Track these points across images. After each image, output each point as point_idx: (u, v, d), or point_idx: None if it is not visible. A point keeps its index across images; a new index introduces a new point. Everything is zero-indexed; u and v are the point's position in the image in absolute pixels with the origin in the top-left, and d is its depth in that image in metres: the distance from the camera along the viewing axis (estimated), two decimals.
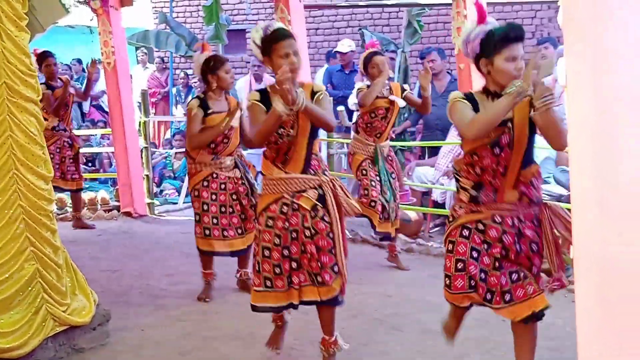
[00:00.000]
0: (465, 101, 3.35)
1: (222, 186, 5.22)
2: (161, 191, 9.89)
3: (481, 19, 3.38)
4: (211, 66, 5.17)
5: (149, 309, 5.14)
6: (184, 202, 9.29)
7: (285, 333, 4.18)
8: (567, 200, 5.87)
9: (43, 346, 4.06)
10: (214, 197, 5.20)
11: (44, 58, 7.62)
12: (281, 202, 3.74)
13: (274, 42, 3.64)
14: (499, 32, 3.31)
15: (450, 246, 3.42)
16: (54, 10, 6.29)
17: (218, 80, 5.16)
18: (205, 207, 5.21)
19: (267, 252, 3.76)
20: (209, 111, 5.13)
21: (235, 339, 4.50)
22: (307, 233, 3.72)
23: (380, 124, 6.01)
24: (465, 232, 3.39)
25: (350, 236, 7.06)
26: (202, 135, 5.11)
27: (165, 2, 15.32)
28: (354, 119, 8.52)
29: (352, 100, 8.52)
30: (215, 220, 5.21)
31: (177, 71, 13.88)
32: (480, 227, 3.36)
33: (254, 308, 3.86)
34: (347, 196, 3.84)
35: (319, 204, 3.73)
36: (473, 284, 3.35)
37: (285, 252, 3.75)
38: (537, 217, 3.40)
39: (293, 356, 4.24)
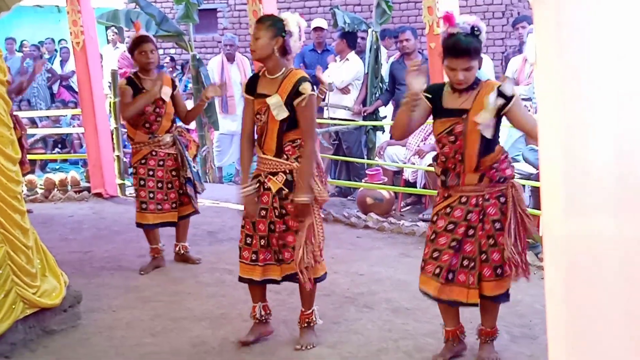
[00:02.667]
0: (425, 99, 3.67)
1: (160, 163, 5.45)
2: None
3: (448, 22, 3.62)
4: (131, 47, 5.46)
5: (120, 290, 5.13)
6: None
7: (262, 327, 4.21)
8: (537, 178, 5.93)
9: (13, 329, 4.03)
10: (150, 172, 5.44)
11: None
12: (258, 179, 3.97)
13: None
14: (447, 43, 3.59)
15: (429, 231, 3.77)
16: None
17: (135, 61, 5.44)
18: (142, 183, 5.45)
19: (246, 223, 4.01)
20: (143, 90, 5.34)
21: (206, 320, 4.51)
22: (276, 212, 3.91)
23: None
24: (434, 218, 3.72)
25: (322, 216, 7.07)
26: (131, 104, 5.29)
27: None
28: (327, 99, 8.53)
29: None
30: (151, 195, 5.44)
31: None
32: (448, 210, 3.66)
33: (242, 279, 4.08)
34: (318, 184, 3.93)
35: (285, 188, 3.89)
36: (422, 265, 3.72)
37: (254, 228, 3.97)
38: (503, 194, 3.63)
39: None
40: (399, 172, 7.74)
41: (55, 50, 14.48)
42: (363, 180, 7.76)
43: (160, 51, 13.67)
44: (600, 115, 1.80)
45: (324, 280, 4.10)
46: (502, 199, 3.62)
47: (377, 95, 8.44)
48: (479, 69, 3.66)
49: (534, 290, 4.60)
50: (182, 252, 5.71)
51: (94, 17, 8.34)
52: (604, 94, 1.80)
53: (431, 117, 3.78)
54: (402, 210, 7.60)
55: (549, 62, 1.86)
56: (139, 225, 5.56)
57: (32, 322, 4.19)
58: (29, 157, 6.20)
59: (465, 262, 3.63)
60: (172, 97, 5.46)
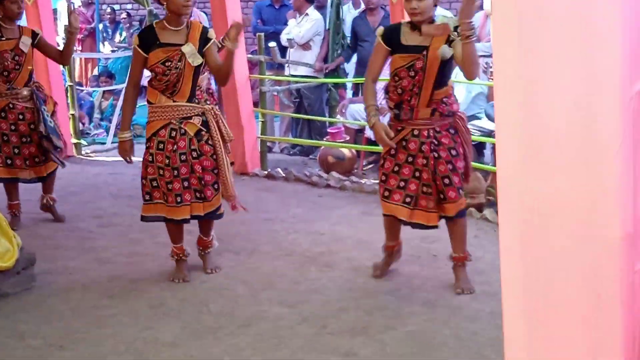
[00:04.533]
0: (382, 41, 4.05)
1: (21, 117, 5.41)
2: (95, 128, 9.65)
3: None
4: None
5: (76, 251, 5.03)
6: (112, 142, 9.06)
7: (187, 265, 4.51)
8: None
9: None
10: (13, 127, 5.39)
11: None
12: (169, 127, 4.23)
13: None
14: None
15: (382, 161, 4.17)
16: None
17: (4, 10, 5.34)
18: (6, 138, 5.40)
19: (161, 172, 4.26)
20: (2, 38, 5.35)
21: (164, 281, 4.43)
22: (194, 154, 4.23)
23: None
24: (392, 151, 4.08)
25: (283, 175, 7.02)
26: None
27: None
28: (287, 55, 8.40)
29: (285, 36, 8.42)
30: (16, 150, 5.42)
31: (104, 6, 13.37)
32: (404, 144, 4.04)
33: (144, 218, 4.43)
34: (224, 125, 4.38)
35: (203, 129, 4.24)
36: (387, 195, 4.12)
37: (175, 172, 4.22)
38: (452, 127, 4.05)
39: (225, 296, 4.20)
40: (361, 130, 7.68)
41: None
42: (325, 139, 7.69)
43: (117, 7, 13.36)
44: (557, 70, 1.76)
45: (221, 218, 4.47)
46: (452, 130, 4.04)
47: (338, 51, 8.32)
48: (435, 6, 3.98)
49: (494, 248, 4.60)
50: (50, 203, 5.74)
51: None
52: (562, 46, 1.76)
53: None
54: (364, 168, 7.56)
55: (504, 12, 1.81)
56: (2, 180, 5.58)
57: None
58: None
59: (424, 189, 4.05)
60: (39, 45, 5.47)
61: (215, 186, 4.32)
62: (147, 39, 4.24)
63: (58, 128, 5.62)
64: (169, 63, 4.17)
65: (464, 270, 4.18)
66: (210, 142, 4.27)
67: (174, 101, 4.22)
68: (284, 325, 3.78)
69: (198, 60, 4.21)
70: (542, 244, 1.81)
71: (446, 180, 4.02)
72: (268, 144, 7.90)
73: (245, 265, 4.65)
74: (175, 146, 4.22)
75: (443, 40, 3.90)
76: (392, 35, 4.04)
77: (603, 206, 1.73)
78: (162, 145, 4.24)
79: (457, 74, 5.14)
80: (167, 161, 4.23)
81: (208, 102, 4.34)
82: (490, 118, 6.26)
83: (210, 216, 4.39)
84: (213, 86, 6.50)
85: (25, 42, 5.39)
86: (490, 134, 6.15)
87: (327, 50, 8.36)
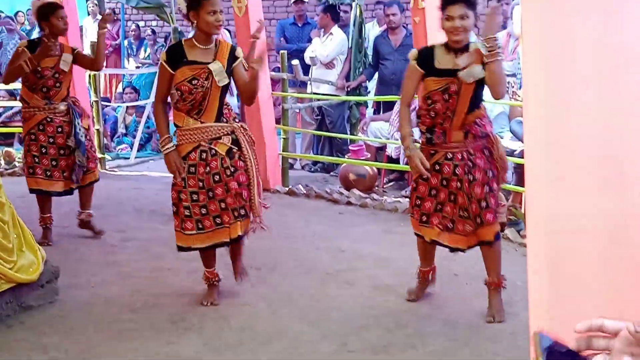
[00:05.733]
0: (416, 64, 3.98)
1: (59, 129, 5.46)
2: (118, 143, 9.74)
3: None
4: (43, 13, 5.40)
5: (99, 265, 5.07)
6: (136, 157, 9.16)
7: (218, 289, 4.38)
8: (520, 155, 5.91)
9: None
10: (51, 140, 5.45)
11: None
12: (199, 149, 4.10)
13: None
14: None
15: (414, 185, 4.08)
16: None
17: (50, 27, 5.36)
18: (44, 151, 5.45)
19: (195, 197, 4.11)
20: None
21: (186, 296, 4.46)
22: (228, 172, 4.11)
23: None
24: (424, 176, 3.97)
25: (305, 191, 7.04)
26: (11, 65, 5.35)
27: None
28: (310, 73, 8.46)
29: (309, 55, 8.47)
30: (54, 163, 5.47)
31: (129, 23, 13.53)
32: (437, 167, 3.96)
33: (181, 249, 4.26)
34: (254, 142, 4.28)
35: (234, 147, 4.13)
36: (425, 220, 4.02)
37: (210, 194, 4.10)
38: (486, 147, 3.97)
39: (246, 312, 4.21)
40: (382, 148, 7.70)
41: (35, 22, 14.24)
42: (346, 156, 7.72)
43: (142, 23, 13.52)
44: (586, 92, 1.77)
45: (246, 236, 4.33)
46: (486, 152, 3.96)
47: (360, 70, 8.36)
48: (475, 26, 3.93)
49: (515, 267, 4.58)
50: (87, 219, 5.76)
51: None
52: (590, 70, 1.77)
53: None
54: (384, 186, 7.57)
55: (534, 39, 1.82)
56: (32, 191, 5.58)
57: (9, 297, 4.11)
58: (6, 129, 5.94)
59: (461, 212, 3.96)
60: (77, 59, 5.54)
61: (253, 201, 4.22)
62: (175, 55, 4.15)
63: (91, 145, 5.67)
64: (196, 81, 4.06)
65: (498, 296, 4.04)
66: (242, 159, 4.16)
67: (201, 122, 4.10)
68: (305, 342, 3.79)
69: (225, 80, 4.11)
70: (570, 265, 1.81)
71: (483, 203, 3.91)
72: (290, 160, 7.94)
73: (266, 281, 4.67)
74: (208, 167, 4.08)
75: (478, 63, 3.81)
76: (425, 58, 3.96)
77: (631, 227, 1.73)
78: (193, 168, 4.10)
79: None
80: (201, 184, 4.09)
81: (237, 120, 4.25)
82: (516, 135, 6.23)
83: (243, 236, 4.25)
84: (234, 101, 6.55)
85: (67, 61, 5.43)
86: (512, 153, 6.13)
87: (350, 69, 8.41)
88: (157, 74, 4.41)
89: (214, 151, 4.09)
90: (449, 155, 3.93)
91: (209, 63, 4.08)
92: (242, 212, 4.15)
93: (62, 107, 5.47)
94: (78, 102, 5.74)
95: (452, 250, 4.10)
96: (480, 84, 3.87)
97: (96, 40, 5.81)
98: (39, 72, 5.32)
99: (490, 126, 4.04)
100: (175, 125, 4.18)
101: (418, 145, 4.05)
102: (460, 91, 3.85)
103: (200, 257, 4.34)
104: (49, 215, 5.67)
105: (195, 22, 4.09)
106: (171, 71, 4.10)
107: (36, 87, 5.40)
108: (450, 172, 3.93)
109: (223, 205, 4.10)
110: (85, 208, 5.76)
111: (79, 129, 5.48)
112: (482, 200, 3.91)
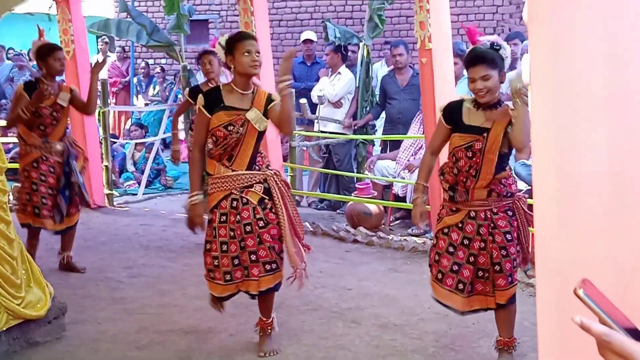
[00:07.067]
0: (442, 119, 3.86)
1: (52, 169, 5.53)
2: (126, 179, 9.79)
3: (469, 35, 4.03)
4: (41, 53, 5.48)
5: (106, 302, 5.08)
6: (143, 193, 9.20)
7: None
8: (528, 194, 5.92)
9: None
10: (42, 178, 5.51)
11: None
12: (231, 198, 3.97)
13: (238, 40, 3.97)
14: (467, 55, 3.87)
15: (435, 241, 3.94)
16: None
17: (47, 67, 5.45)
18: (35, 187, 5.50)
19: (224, 247, 3.98)
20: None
21: (193, 333, 4.46)
22: (261, 224, 3.95)
23: None
24: (446, 230, 3.86)
25: (311, 229, 7.05)
26: (12, 113, 5.43)
27: None
28: (317, 112, 8.53)
29: (316, 93, 8.55)
30: (44, 201, 5.51)
31: (139, 60, 13.71)
32: (460, 225, 3.81)
33: (218, 299, 4.12)
34: (289, 186, 4.14)
35: (266, 196, 3.98)
36: (440, 277, 3.85)
37: (242, 244, 3.96)
38: (510, 208, 3.83)
39: (252, 350, 4.20)
40: (388, 187, 7.73)
41: None
42: (353, 194, 7.74)
43: (151, 61, 13.67)
44: (594, 136, 1.79)
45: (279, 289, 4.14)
46: (510, 212, 3.81)
47: (367, 109, 8.44)
48: (501, 82, 3.80)
49: (523, 308, 4.57)
50: (68, 260, 5.79)
51: (84, 26, 8.32)
52: (598, 115, 1.80)
53: None
54: (391, 224, 7.58)
55: (544, 81, 1.85)
56: (24, 225, 5.57)
57: (16, 333, 4.12)
58: (16, 165, 5.95)
59: (480, 273, 3.82)
60: (73, 100, 5.61)
61: (282, 255, 4.04)
62: (212, 100, 4.00)
63: (82, 185, 5.70)
64: (232, 127, 3.93)
65: (507, 356, 3.91)
66: (274, 210, 3.98)
67: (232, 170, 3.96)
68: None
69: (264, 123, 4.00)
70: (580, 310, 1.82)
71: (497, 267, 3.77)
72: (297, 197, 7.96)
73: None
74: (239, 217, 3.94)
75: (506, 122, 3.69)
76: (453, 113, 3.83)
77: None
78: (224, 217, 3.97)
79: None
80: (232, 234, 3.96)
81: (270, 168, 4.13)
82: (520, 177, 6.25)
83: (274, 289, 4.08)
84: None
85: (64, 98, 5.53)
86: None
87: (357, 107, 8.48)
88: (195, 119, 4.29)
89: (245, 200, 3.96)
90: (472, 214, 3.79)
91: (246, 110, 3.97)
92: (274, 266, 3.99)
93: (59, 146, 5.55)
94: (76, 142, 5.84)
95: (462, 313, 3.94)
96: (507, 144, 3.74)
97: (89, 86, 5.78)
98: (36, 112, 5.41)
99: (515, 186, 3.91)
100: (207, 173, 4.08)
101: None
102: (485, 150, 3.71)
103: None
104: (32, 252, 5.54)
105: (233, 66, 3.99)
106: (208, 115, 3.97)
107: (33, 125, 5.48)
108: (474, 231, 3.78)
109: (254, 257, 3.96)
110: (66, 250, 5.82)
111: (74, 168, 5.57)
112: (496, 264, 3.78)
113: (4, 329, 4.01)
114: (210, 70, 6.07)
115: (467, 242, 3.79)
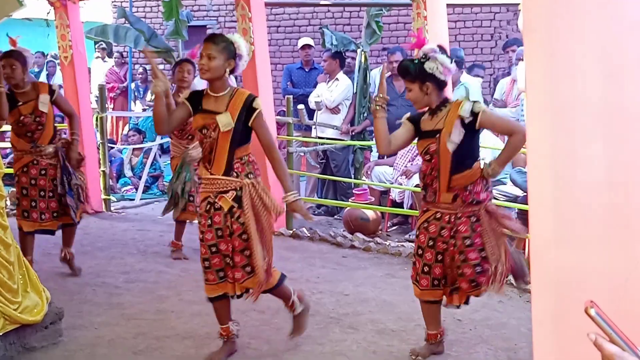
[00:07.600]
0: (407, 121, 4.08)
1: (42, 172, 5.56)
2: (123, 184, 9.79)
3: (416, 45, 4.07)
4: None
5: (103, 307, 5.07)
6: (140, 199, 9.20)
7: (231, 347, 4.19)
8: (523, 201, 5.94)
9: None
10: (33, 182, 5.55)
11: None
12: (207, 201, 3.97)
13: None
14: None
15: (415, 245, 4.11)
16: (7, 3, 6.14)
17: (6, 77, 5.39)
18: (25, 192, 5.56)
19: (213, 249, 3.97)
20: (19, 103, 5.46)
21: (190, 339, 4.46)
22: (228, 232, 3.92)
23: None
24: (417, 232, 4.07)
25: (308, 234, 7.06)
26: None
27: None
28: (315, 117, 8.54)
29: (314, 99, 8.57)
30: (33, 204, 5.56)
31: (136, 66, 13.73)
32: (425, 225, 3.98)
33: (210, 299, 4.09)
34: (269, 198, 3.97)
35: (235, 204, 3.90)
36: (417, 279, 4.03)
37: (213, 248, 3.95)
38: (475, 215, 3.89)
39: (249, 356, 4.21)
40: (385, 192, 7.74)
41: (45, 64, 14.43)
42: (350, 200, 7.75)
43: (149, 66, 13.65)
44: (590, 144, 1.80)
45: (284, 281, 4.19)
46: (474, 218, 3.89)
47: (365, 115, 8.45)
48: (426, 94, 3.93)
49: (520, 314, 4.59)
50: (69, 257, 5.82)
51: (82, 32, 8.33)
52: (594, 123, 1.80)
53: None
54: (388, 230, 7.59)
55: (539, 90, 1.86)
56: (20, 229, 5.60)
57: (13, 338, 4.12)
58: (11, 170, 5.96)
59: (448, 271, 3.98)
60: (54, 101, 5.59)
61: (247, 269, 3.94)
62: (195, 101, 3.98)
63: (82, 186, 5.73)
64: (205, 131, 3.91)
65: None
66: (241, 220, 3.89)
67: (211, 174, 3.93)
68: None
69: (228, 127, 3.87)
70: (575, 319, 1.82)
71: (458, 271, 3.91)
72: None
73: (269, 324, 4.67)
74: (210, 221, 3.93)
75: (454, 117, 3.83)
76: (416, 121, 4.06)
77: (636, 281, 1.74)
78: (201, 218, 4.00)
79: (483, 139, 5.17)
80: (201, 236, 3.98)
81: (251, 176, 3.96)
82: (516, 183, 6.28)
83: (269, 292, 4.13)
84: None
85: (44, 102, 5.50)
86: (515, 199, 6.16)
87: (354, 113, 8.50)
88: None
89: (218, 205, 3.92)
90: (438, 215, 3.94)
91: (219, 113, 3.90)
92: (249, 269, 3.95)
93: (50, 149, 5.56)
94: (71, 143, 5.77)
95: (435, 303, 4.08)
96: (461, 146, 3.83)
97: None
98: (20, 122, 5.46)
99: (485, 194, 3.92)
100: (198, 176, 4.17)
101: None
102: (439, 151, 3.85)
103: (214, 313, 4.15)
104: (29, 258, 5.48)
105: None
106: (190, 107, 3.98)
107: (21, 133, 5.53)
108: (436, 232, 3.93)
109: (228, 260, 3.95)
110: (68, 246, 5.84)
111: (73, 172, 5.59)
112: (457, 267, 3.90)
113: (1, 334, 4.01)
114: (185, 79, 6.09)
115: (432, 242, 3.95)
